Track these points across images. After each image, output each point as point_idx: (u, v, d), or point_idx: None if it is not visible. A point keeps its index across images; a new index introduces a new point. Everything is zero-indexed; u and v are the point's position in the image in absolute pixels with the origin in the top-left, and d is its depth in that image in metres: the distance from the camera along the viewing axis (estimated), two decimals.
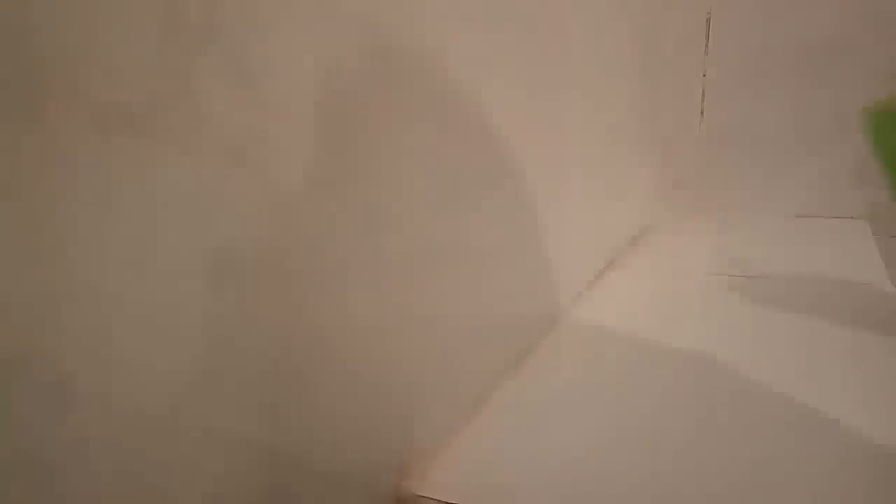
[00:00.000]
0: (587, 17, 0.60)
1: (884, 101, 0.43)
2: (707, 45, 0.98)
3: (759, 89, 0.97)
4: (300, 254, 0.27)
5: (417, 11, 0.33)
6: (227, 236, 0.23)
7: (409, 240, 0.34)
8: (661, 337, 0.56)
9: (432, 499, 0.35)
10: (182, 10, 0.20)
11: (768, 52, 0.95)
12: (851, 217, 0.96)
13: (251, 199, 0.24)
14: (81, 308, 0.18)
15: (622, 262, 0.80)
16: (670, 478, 0.36)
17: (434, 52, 0.35)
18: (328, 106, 0.27)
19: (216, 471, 0.24)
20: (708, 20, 0.97)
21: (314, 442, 0.29)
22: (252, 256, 0.24)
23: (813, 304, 0.62)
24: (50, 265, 0.17)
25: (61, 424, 0.18)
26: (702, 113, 1.02)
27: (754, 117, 0.98)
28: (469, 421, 0.42)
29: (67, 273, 0.18)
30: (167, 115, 0.20)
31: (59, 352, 0.18)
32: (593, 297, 0.67)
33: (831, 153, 0.95)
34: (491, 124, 0.43)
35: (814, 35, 0.92)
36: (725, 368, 0.48)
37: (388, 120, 0.32)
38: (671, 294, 0.68)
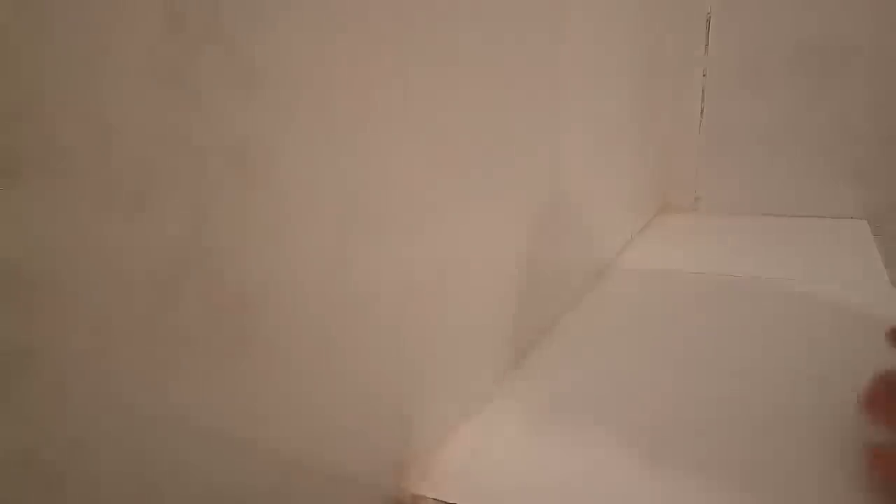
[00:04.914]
0: (587, 17, 0.60)
1: None
2: (707, 45, 0.98)
3: (759, 89, 0.97)
4: (296, 256, 0.27)
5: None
6: (229, 239, 0.23)
7: (409, 242, 0.35)
8: (660, 339, 0.56)
9: (432, 499, 0.35)
10: (182, 10, 0.20)
11: (768, 52, 0.95)
12: (851, 217, 0.96)
13: (250, 202, 0.24)
14: (79, 306, 0.18)
15: (621, 261, 0.80)
16: (670, 478, 0.36)
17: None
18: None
19: (216, 471, 0.24)
20: (708, 20, 0.97)
21: (314, 442, 0.29)
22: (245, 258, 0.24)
23: (813, 304, 0.62)
24: (50, 263, 0.17)
25: (62, 424, 0.18)
26: (702, 113, 1.02)
27: (754, 117, 0.98)
28: (469, 421, 0.42)
29: (68, 272, 0.18)
30: (167, 115, 0.20)
31: (60, 348, 0.18)
32: (592, 298, 0.67)
33: (831, 153, 0.95)
34: (489, 125, 0.43)
35: (814, 35, 0.92)
36: (724, 370, 0.48)
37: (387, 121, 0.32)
38: (668, 295, 0.68)
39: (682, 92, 1.02)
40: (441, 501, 0.35)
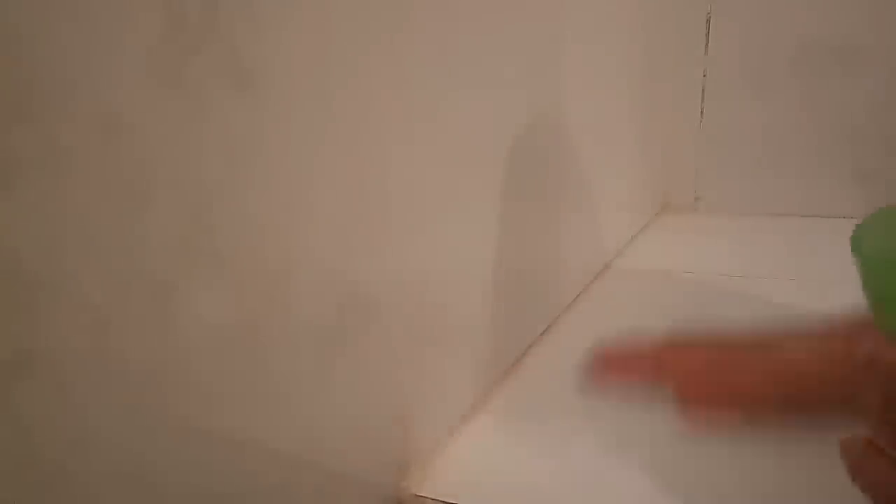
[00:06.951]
0: (586, 17, 0.60)
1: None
2: (707, 45, 0.98)
3: (760, 89, 0.97)
4: (295, 256, 0.27)
5: None
6: (229, 237, 0.23)
7: (410, 242, 0.35)
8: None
9: (432, 499, 0.35)
10: (182, 10, 0.20)
11: (768, 52, 0.95)
12: (851, 217, 0.95)
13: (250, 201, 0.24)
14: (79, 307, 0.18)
15: (620, 261, 0.79)
16: (671, 478, 0.36)
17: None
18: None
19: (217, 471, 0.24)
20: (708, 20, 0.97)
21: (315, 442, 0.29)
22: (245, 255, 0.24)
23: (813, 304, 0.62)
24: (50, 264, 0.17)
25: (62, 424, 0.18)
26: (702, 113, 1.02)
27: (754, 117, 0.98)
28: (469, 421, 0.42)
29: (68, 272, 0.18)
30: (167, 115, 0.20)
31: (60, 348, 0.18)
32: (591, 298, 0.67)
33: (831, 153, 0.95)
34: (488, 125, 0.43)
35: (814, 35, 0.92)
36: None
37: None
38: (667, 296, 0.68)
39: (682, 92, 1.02)
40: (441, 501, 0.35)
